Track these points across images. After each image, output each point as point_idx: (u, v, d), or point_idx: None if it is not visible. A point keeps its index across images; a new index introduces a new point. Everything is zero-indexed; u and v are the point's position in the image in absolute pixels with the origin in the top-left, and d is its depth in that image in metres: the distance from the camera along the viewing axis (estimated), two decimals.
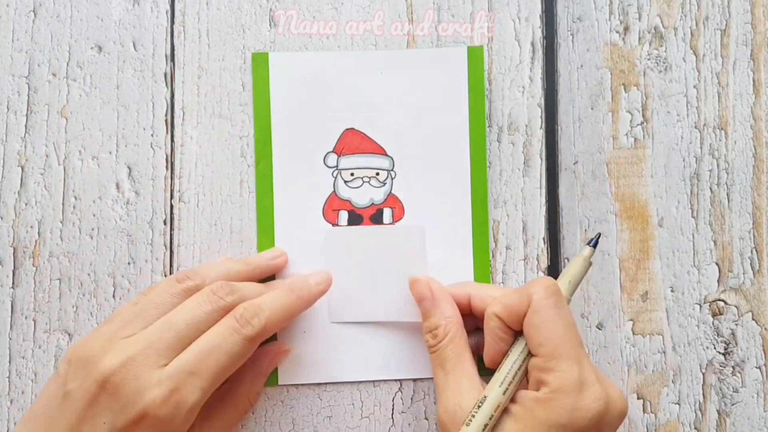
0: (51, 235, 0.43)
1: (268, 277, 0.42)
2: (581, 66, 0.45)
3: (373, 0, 0.45)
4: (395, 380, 0.43)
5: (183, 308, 0.37)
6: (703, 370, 0.44)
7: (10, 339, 0.43)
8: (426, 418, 0.43)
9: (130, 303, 0.39)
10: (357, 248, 0.43)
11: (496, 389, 0.36)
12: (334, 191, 0.44)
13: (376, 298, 0.43)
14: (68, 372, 0.36)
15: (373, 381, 0.43)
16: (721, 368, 0.44)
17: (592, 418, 0.34)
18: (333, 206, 0.44)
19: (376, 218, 0.44)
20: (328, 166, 0.44)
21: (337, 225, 0.43)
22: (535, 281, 0.37)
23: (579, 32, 0.45)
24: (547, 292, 0.36)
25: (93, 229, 0.43)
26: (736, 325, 0.44)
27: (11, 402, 0.42)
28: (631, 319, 0.44)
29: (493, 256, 0.44)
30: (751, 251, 0.44)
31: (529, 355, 0.37)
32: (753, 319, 0.44)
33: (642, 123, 0.45)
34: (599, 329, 0.44)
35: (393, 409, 0.43)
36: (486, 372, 0.38)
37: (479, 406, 0.36)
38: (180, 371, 0.35)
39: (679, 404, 0.44)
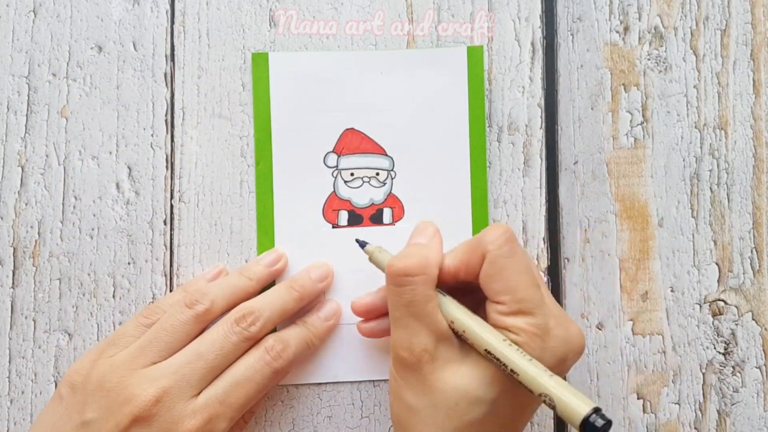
0: (51, 235, 0.43)
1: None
2: (581, 66, 0.45)
3: (373, 0, 0.45)
4: None
5: (211, 339, 0.38)
6: (703, 370, 0.44)
7: (10, 339, 0.43)
8: None
9: (133, 322, 0.39)
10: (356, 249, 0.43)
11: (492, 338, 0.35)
12: (334, 191, 0.44)
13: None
14: (85, 400, 0.36)
15: (373, 381, 0.43)
16: (721, 368, 0.44)
17: (556, 359, 0.35)
18: (333, 206, 0.44)
19: (376, 218, 0.44)
20: (328, 166, 0.44)
21: (338, 225, 0.43)
22: (486, 231, 0.36)
23: (579, 32, 0.45)
24: (501, 240, 0.35)
25: (93, 229, 0.43)
26: (736, 325, 0.44)
27: (11, 402, 0.42)
28: (631, 320, 0.44)
29: None
30: (751, 251, 0.44)
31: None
32: (753, 319, 0.44)
33: (642, 123, 0.45)
34: (599, 329, 0.44)
35: None
36: None
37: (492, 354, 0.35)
38: (212, 402, 0.37)
39: (679, 404, 0.44)
